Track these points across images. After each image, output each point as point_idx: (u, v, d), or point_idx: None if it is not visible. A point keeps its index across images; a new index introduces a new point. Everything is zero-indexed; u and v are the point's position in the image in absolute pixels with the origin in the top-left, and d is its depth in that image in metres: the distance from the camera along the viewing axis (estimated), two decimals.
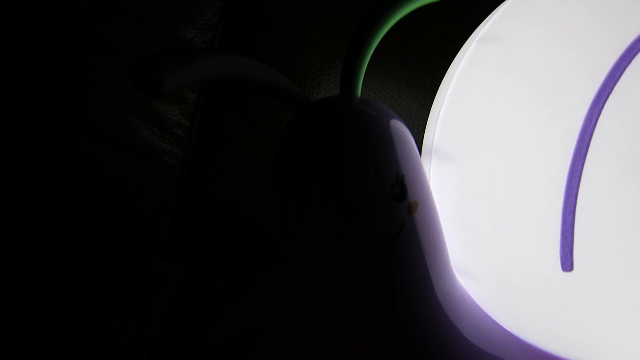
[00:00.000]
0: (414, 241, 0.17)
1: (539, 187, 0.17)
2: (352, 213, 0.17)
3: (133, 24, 0.38)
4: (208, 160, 0.40)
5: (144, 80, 0.15)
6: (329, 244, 0.17)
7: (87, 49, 0.37)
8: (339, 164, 0.17)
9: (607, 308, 0.17)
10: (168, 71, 0.15)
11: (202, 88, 0.40)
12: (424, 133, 0.24)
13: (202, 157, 0.40)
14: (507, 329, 0.20)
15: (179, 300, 0.36)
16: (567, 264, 0.17)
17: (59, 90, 0.38)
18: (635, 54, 0.16)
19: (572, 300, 0.17)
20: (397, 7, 0.19)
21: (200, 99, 0.40)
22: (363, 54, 0.19)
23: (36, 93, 0.38)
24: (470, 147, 0.19)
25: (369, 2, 0.43)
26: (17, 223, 0.40)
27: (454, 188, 0.19)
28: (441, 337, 0.18)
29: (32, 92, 0.38)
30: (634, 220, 0.16)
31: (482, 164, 0.18)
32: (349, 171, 0.17)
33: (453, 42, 0.28)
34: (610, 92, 0.16)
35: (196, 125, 0.40)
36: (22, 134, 0.38)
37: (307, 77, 0.40)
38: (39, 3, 0.37)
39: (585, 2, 0.18)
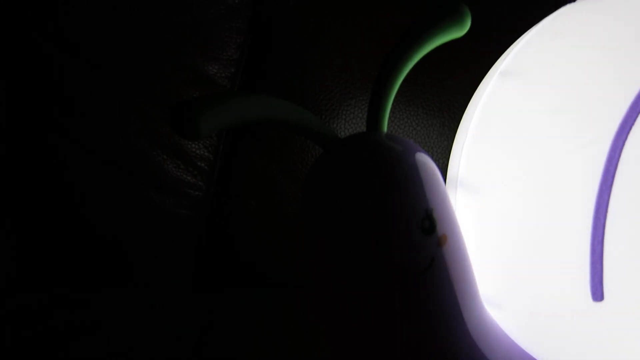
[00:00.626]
0: (444, 274, 0.18)
1: (567, 217, 0.17)
2: (383, 247, 0.17)
3: (156, 58, 0.39)
4: (230, 192, 0.41)
5: (181, 124, 0.16)
6: (360, 278, 0.18)
7: (111, 84, 0.39)
8: (369, 201, 0.17)
9: (637, 335, 0.17)
10: (204, 115, 0.16)
11: None
12: (447, 163, 0.25)
13: (224, 189, 0.41)
14: (539, 359, 0.20)
15: (205, 332, 0.36)
16: (598, 293, 0.17)
17: (85, 125, 0.39)
18: None
19: (604, 331, 0.18)
20: (422, 44, 0.20)
21: (223, 132, 0.41)
22: (389, 90, 0.19)
23: (60, 128, 0.39)
24: (496, 179, 0.19)
25: (384, 33, 0.44)
26: (42, 257, 0.41)
27: (481, 220, 0.20)
28: None
29: (56, 126, 0.39)
30: None
31: (508, 196, 0.19)
32: (380, 207, 0.17)
33: (471, 71, 0.28)
34: (633, 123, 0.17)
35: (219, 158, 0.41)
36: (47, 168, 0.39)
37: (327, 109, 0.41)
38: (64, 39, 0.38)
39: (603, 38, 0.18)
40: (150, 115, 0.40)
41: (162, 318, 0.37)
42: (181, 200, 0.41)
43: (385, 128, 0.20)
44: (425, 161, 0.19)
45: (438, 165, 0.22)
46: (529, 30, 0.23)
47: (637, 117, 0.17)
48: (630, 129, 0.17)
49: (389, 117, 0.41)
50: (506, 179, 0.19)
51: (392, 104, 0.45)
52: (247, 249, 0.41)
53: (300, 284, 0.40)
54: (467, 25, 0.20)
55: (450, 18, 0.20)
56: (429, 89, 0.42)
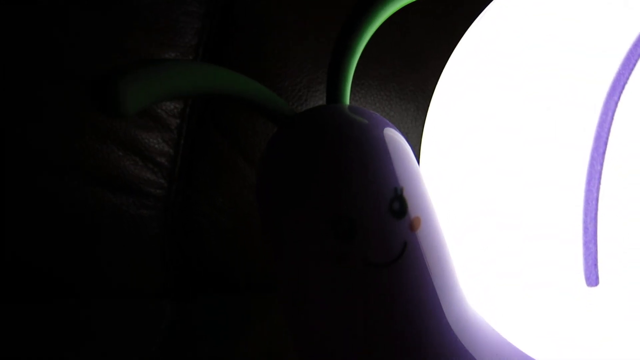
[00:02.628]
0: (418, 262, 0.16)
1: (555, 194, 0.15)
2: (348, 234, 0.15)
3: (107, 48, 0.37)
4: (195, 188, 0.39)
5: (104, 97, 0.13)
6: (324, 269, 0.15)
7: (58, 80, 0.36)
8: (329, 179, 0.15)
9: (638, 326, 0.15)
10: (130, 85, 0.13)
11: (184, 113, 0.39)
12: (420, 146, 0.23)
13: (188, 185, 0.39)
14: (528, 354, 0.18)
15: (173, 340, 0.34)
16: (592, 278, 0.15)
17: (31, 127, 0.36)
18: None
19: (599, 320, 0.16)
20: (381, 4, 0.17)
21: (183, 124, 0.39)
22: (349, 56, 0.17)
23: (11, 129, 0.36)
24: (474, 157, 0.17)
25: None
26: None
27: (458, 202, 0.17)
28: (450, 358, 0.16)
29: (8, 129, 0.36)
30: None
31: (488, 175, 0.17)
32: (342, 186, 0.15)
33: (444, 51, 0.26)
34: (625, 82, 0.15)
35: (180, 152, 0.39)
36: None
37: (293, 95, 0.38)
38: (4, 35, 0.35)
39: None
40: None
41: (127, 327, 0.35)
42: (142, 200, 0.38)
43: (347, 101, 0.17)
44: (394, 136, 0.17)
45: (412, 146, 0.20)
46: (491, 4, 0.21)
47: (630, 74, 0.15)
48: (622, 88, 0.15)
49: (362, 103, 0.39)
50: (485, 156, 0.17)
51: (364, 89, 0.43)
52: (216, 247, 0.39)
53: (271, 289, 0.38)
54: None
55: None
56: (401, 72, 0.40)
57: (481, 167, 0.17)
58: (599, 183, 0.15)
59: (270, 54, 0.38)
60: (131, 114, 0.14)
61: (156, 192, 0.38)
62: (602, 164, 0.15)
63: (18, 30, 0.35)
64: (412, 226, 0.15)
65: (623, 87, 0.15)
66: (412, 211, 0.15)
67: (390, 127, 0.17)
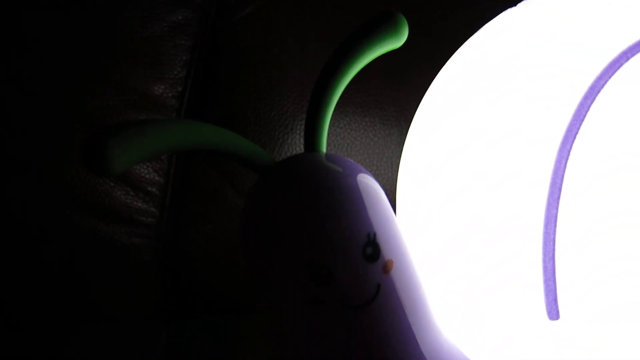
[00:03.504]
0: (393, 302, 0.17)
1: (516, 236, 0.16)
2: (325, 279, 0.16)
3: (98, 82, 0.38)
4: (185, 216, 0.39)
5: (92, 159, 0.14)
6: (302, 312, 0.16)
7: (52, 111, 0.37)
8: (306, 228, 0.16)
9: (596, 354, 0.16)
10: (117, 148, 0.14)
11: None
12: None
13: (178, 213, 0.39)
14: None
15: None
16: (553, 312, 0.16)
17: (26, 156, 0.37)
18: (593, 100, 0.16)
19: (562, 350, 0.17)
20: (355, 58, 0.19)
21: (173, 154, 0.40)
22: (324, 108, 0.18)
23: (9, 161, 0.37)
24: (442, 193, 0.18)
25: (336, 40, 0.43)
26: None
27: (430, 239, 0.19)
28: None
29: (7, 160, 0.37)
30: (617, 260, 0.16)
31: (454, 213, 0.18)
32: (318, 235, 0.16)
33: (425, 77, 0.28)
34: (577, 132, 0.16)
35: (171, 181, 0.40)
36: None
37: (280, 124, 0.40)
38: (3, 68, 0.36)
39: (539, 42, 0.18)
40: None
41: (122, 350, 0.36)
42: (134, 229, 0.39)
43: (324, 148, 0.19)
44: (368, 182, 0.18)
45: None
46: (473, 35, 0.22)
47: (579, 127, 0.16)
48: (574, 138, 0.16)
49: (346, 130, 0.41)
50: (450, 195, 0.18)
51: (348, 116, 0.44)
52: (205, 274, 0.40)
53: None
54: (403, 35, 0.19)
55: (385, 29, 0.19)
56: (384, 99, 0.41)
57: (446, 210, 0.18)
58: (555, 225, 0.16)
59: (257, 85, 0.39)
60: (118, 173, 0.15)
61: (147, 221, 0.39)
62: (557, 208, 0.16)
63: (15, 64, 0.36)
64: (385, 269, 0.17)
65: (574, 137, 0.16)
66: (385, 254, 0.17)
67: (364, 172, 0.18)
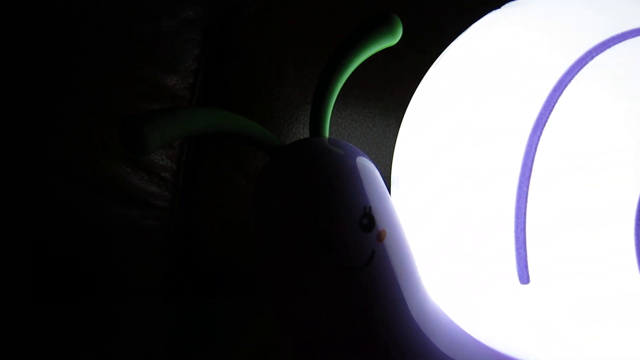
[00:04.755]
0: (385, 266, 0.19)
1: (492, 209, 0.19)
2: (327, 245, 0.18)
3: (114, 74, 0.40)
4: (196, 200, 0.42)
5: (131, 140, 0.17)
6: (309, 274, 0.19)
7: (70, 101, 0.39)
8: (312, 201, 0.19)
9: (562, 315, 0.19)
10: (152, 130, 0.17)
11: None
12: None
13: (190, 197, 0.42)
14: (478, 339, 0.21)
15: (178, 338, 0.37)
16: (524, 277, 0.19)
17: (47, 144, 0.39)
18: (565, 87, 0.18)
19: (532, 310, 0.19)
20: (356, 54, 0.21)
21: (185, 141, 0.42)
22: (328, 98, 0.21)
23: (22, 147, 0.39)
24: (428, 173, 0.21)
25: (337, 40, 0.45)
26: (12, 273, 0.41)
27: (419, 212, 0.21)
28: (417, 351, 0.20)
29: (17, 145, 0.39)
30: (578, 232, 0.18)
31: (439, 190, 0.20)
32: (321, 207, 0.19)
33: (423, 69, 0.30)
34: (546, 121, 0.18)
35: (182, 167, 0.42)
36: (12, 188, 0.40)
37: (284, 114, 0.42)
38: (16, 57, 0.39)
39: (521, 45, 0.20)
40: (112, 130, 0.40)
41: (135, 327, 0.38)
42: (148, 211, 0.41)
43: (327, 134, 0.21)
44: (365, 163, 0.20)
45: (383, 175, 0.24)
46: (462, 33, 0.24)
47: (548, 118, 0.18)
48: (543, 126, 0.19)
49: (347, 121, 0.43)
50: (436, 173, 0.20)
51: (349, 107, 0.46)
52: (214, 256, 0.42)
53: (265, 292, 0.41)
54: (398, 34, 0.22)
55: (382, 28, 0.21)
56: (383, 91, 0.44)
57: (432, 186, 0.21)
58: (526, 201, 0.18)
59: (263, 77, 0.42)
60: (151, 152, 0.17)
61: (161, 204, 0.42)
62: (528, 186, 0.18)
63: (42, 55, 0.39)
64: (379, 237, 0.19)
65: (543, 126, 0.18)
66: (379, 225, 0.19)
67: (362, 155, 0.21)
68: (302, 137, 0.42)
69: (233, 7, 0.42)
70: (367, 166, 0.20)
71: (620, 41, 0.19)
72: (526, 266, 0.19)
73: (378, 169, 0.21)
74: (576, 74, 0.19)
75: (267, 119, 0.42)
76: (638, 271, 0.18)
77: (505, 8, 0.23)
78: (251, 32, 0.42)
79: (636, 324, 0.19)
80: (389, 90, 0.43)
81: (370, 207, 0.19)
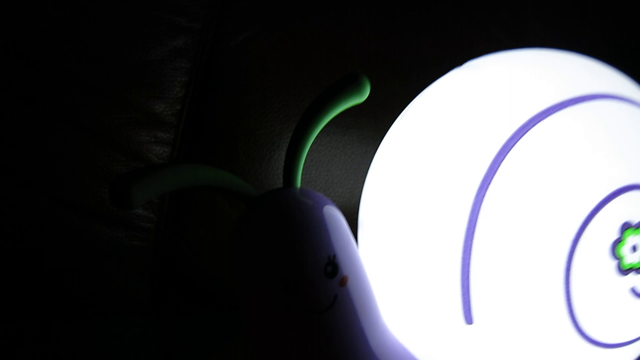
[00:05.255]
0: (347, 308, 0.21)
1: (442, 259, 0.21)
2: (293, 291, 0.21)
3: (104, 101, 0.42)
4: (181, 222, 0.44)
5: (120, 198, 0.19)
6: (276, 315, 0.21)
7: (61, 127, 0.41)
8: (281, 251, 0.21)
9: (500, 349, 0.21)
10: (137, 190, 0.19)
11: (171, 157, 0.44)
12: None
13: (175, 220, 0.44)
14: None
15: (164, 352, 0.38)
16: (469, 318, 0.21)
17: (37, 169, 0.41)
18: (504, 157, 0.21)
19: (475, 345, 0.22)
20: (325, 112, 0.23)
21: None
22: (300, 152, 0.23)
23: (11, 172, 0.41)
24: (389, 222, 0.23)
25: (319, 71, 0.48)
26: (1, 291, 0.42)
27: (377, 256, 0.23)
28: None
29: (7, 170, 0.41)
30: (514, 281, 0.21)
31: (398, 237, 0.23)
32: (290, 256, 0.21)
33: (400, 100, 0.32)
34: (489, 183, 0.21)
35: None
36: (6, 207, 0.41)
37: (268, 141, 0.44)
38: (13, 86, 0.40)
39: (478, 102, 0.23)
40: (101, 155, 0.42)
41: (122, 344, 0.39)
42: (134, 233, 0.43)
43: (299, 184, 0.23)
44: (332, 212, 0.23)
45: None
46: (424, 91, 0.27)
47: (494, 175, 0.21)
48: (490, 181, 0.21)
49: (327, 149, 0.45)
50: (394, 222, 0.23)
51: (329, 135, 0.48)
52: (198, 274, 0.44)
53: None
54: (366, 93, 0.24)
55: (351, 88, 0.23)
56: (361, 119, 0.46)
57: (392, 236, 0.23)
58: (470, 253, 0.21)
59: (248, 105, 0.44)
60: (137, 208, 0.19)
61: (146, 226, 0.43)
62: (472, 241, 0.21)
63: (36, 82, 0.40)
64: (342, 282, 0.21)
65: (487, 189, 0.21)
66: (342, 271, 0.21)
67: (329, 204, 0.23)
68: (282, 164, 0.44)
69: (220, 37, 0.44)
70: (334, 215, 0.22)
71: (560, 109, 0.22)
72: (469, 309, 0.21)
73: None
74: (519, 139, 0.21)
75: (251, 146, 0.44)
76: (567, 314, 0.21)
77: (464, 68, 0.26)
78: (237, 62, 0.44)
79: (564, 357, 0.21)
80: (367, 119, 0.45)
81: (334, 255, 0.21)
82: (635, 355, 0.24)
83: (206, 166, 0.21)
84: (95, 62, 0.41)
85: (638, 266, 0.21)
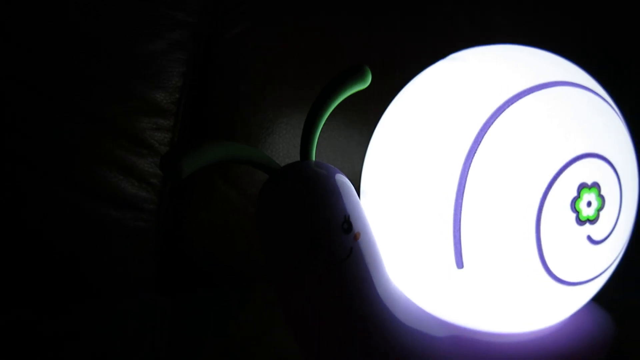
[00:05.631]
0: (360, 259, 0.26)
1: (436, 214, 0.26)
2: (318, 245, 0.25)
3: (108, 91, 0.44)
4: (183, 204, 0.47)
5: (169, 169, 0.22)
6: (304, 267, 0.25)
7: (68, 115, 0.43)
8: (306, 214, 0.25)
9: (487, 291, 0.26)
10: (185, 161, 0.22)
11: (172, 142, 0.47)
12: (362, 170, 0.32)
13: (177, 201, 0.47)
14: (428, 311, 0.28)
15: (170, 331, 0.40)
16: (459, 263, 0.26)
17: (45, 154, 0.43)
18: (490, 126, 0.25)
19: (466, 287, 0.26)
20: (336, 96, 0.27)
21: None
22: (314, 130, 0.27)
23: (21, 157, 0.43)
24: (389, 188, 0.28)
25: (312, 61, 0.51)
26: (8, 279, 0.44)
27: (382, 218, 0.28)
28: (384, 322, 0.26)
29: (16, 155, 0.43)
30: (497, 230, 0.25)
31: (398, 199, 0.27)
32: (314, 219, 0.25)
33: (385, 87, 0.36)
34: (474, 154, 0.25)
35: None
36: (11, 197, 0.43)
37: (262, 126, 0.47)
38: (20, 76, 0.42)
39: (459, 88, 0.27)
40: (106, 140, 0.44)
41: (130, 322, 0.41)
42: (138, 214, 0.46)
43: (314, 157, 0.27)
44: (342, 180, 0.27)
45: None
46: (418, 75, 0.31)
47: (478, 146, 0.25)
48: (475, 150, 0.25)
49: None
50: (397, 186, 0.27)
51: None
52: (200, 253, 0.47)
53: (247, 284, 0.47)
54: (368, 81, 0.28)
55: (357, 77, 0.27)
56: (347, 105, 0.50)
57: (394, 195, 0.27)
58: (461, 207, 0.25)
59: (243, 94, 0.47)
60: (184, 177, 0.23)
61: (150, 207, 0.46)
62: (462, 197, 0.25)
63: (45, 74, 0.42)
64: (355, 237, 0.26)
65: (475, 151, 0.25)
66: (355, 228, 0.26)
67: (339, 173, 0.27)
68: (276, 148, 0.47)
69: (216, 30, 0.47)
70: (344, 181, 0.27)
71: (530, 93, 0.26)
72: (461, 255, 0.26)
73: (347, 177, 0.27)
74: (497, 117, 0.26)
75: (246, 131, 0.47)
76: (538, 258, 0.26)
77: (449, 59, 0.30)
78: (233, 53, 0.47)
79: (537, 295, 0.26)
80: (352, 104, 0.49)
81: (348, 215, 0.25)
82: (593, 292, 0.29)
83: (238, 143, 0.25)
84: (99, 55, 0.43)
85: (592, 218, 0.26)
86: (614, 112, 0.28)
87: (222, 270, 0.48)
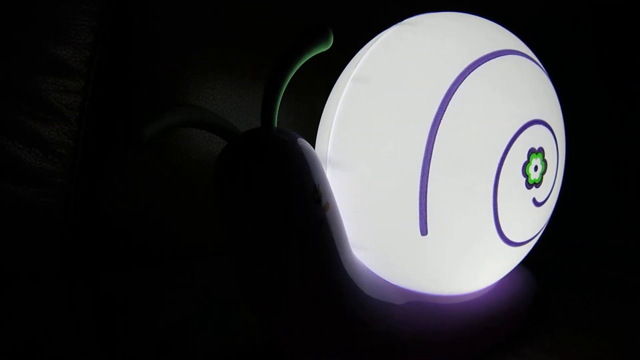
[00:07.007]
0: (328, 230, 0.25)
1: (404, 182, 0.26)
2: (291, 217, 0.23)
3: (6, 46, 0.38)
4: (96, 176, 0.42)
5: (130, 136, 0.19)
6: (273, 238, 0.24)
7: None
8: (276, 183, 0.23)
9: (447, 254, 0.27)
10: (147, 127, 0.20)
11: (83, 106, 0.41)
12: (314, 140, 0.31)
13: (89, 173, 0.42)
14: (389, 280, 0.28)
15: (83, 314, 0.37)
16: (424, 230, 0.26)
17: None
18: (454, 91, 0.26)
19: (429, 254, 0.27)
20: (298, 59, 0.25)
21: (82, 117, 0.41)
22: (276, 95, 0.25)
23: None
24: (354, 156, 0.27)
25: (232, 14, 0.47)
26: None
27: (346, 188, 0.27)
28: (348, 293, 0.26)
29: None
30: (460, 198, 0.26)
31: (363, 169, 0.26)
32: (284, 187, 0.23)
33: (334, 64, 0.35)
34: (442, 116, 0.25)
35: (81, 143, 0.41)
36: None
37: (188, 85, 0.43)
38: None
39: (419, 53, 0.27)
40: (2, 105, 0.38)
41: (40, 305, 0.37)
42: (42, 189, 0.40)
43: (275, 124, 0.25)
44: (308, 147, 0.25)
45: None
46: (370, 42, 0.30)
47: (444, 112, 0.25)
48: (440, 119, 0.26)
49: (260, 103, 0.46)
50: (362, 155, 0.26)
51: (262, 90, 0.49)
52: (118, 227, 0.43)
53: (179, 256, 0.44)
54: (330, 42, 0.26)
55: (319, 38, 0.26)
56: (298, 79, 0.47)
57: (358, 165, 0.26)
58: (427, 176, 0.25)
59: (164, 52, 0.43)
60: (145, 144, 0.20)
61: (56, 181, 0.41)
62: (429, 165, 0.25)
63: None
64: (325, 208, 0.24)
65: (441, 118, 0.25)
66: (324, 199, 0.24)
67: (301, 138, 0.25)
68: (194, 104, 0.43)
69: None
70: (309, 149, 0.25)
71: (492, 58, 0.27)
72: (425, 222, 0.26)
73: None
74: (462, 81, 0.26)
75: (171, 88, 0.43)
76: (493, 222, 0.27)
77: (406, 22, 0.30)
78: (152, 6, 0.42)
79: (488, 257, 0.28)
80: (304, 79, 0.47)
81: (317, 185, 0.24)
82: (528, 250, 0.31)
83: (201, 107, 0.22)
84: None
85: (538, 181, 0.28)
86: (548, 79, 0.30)
87: (139, 247, 0.44)
